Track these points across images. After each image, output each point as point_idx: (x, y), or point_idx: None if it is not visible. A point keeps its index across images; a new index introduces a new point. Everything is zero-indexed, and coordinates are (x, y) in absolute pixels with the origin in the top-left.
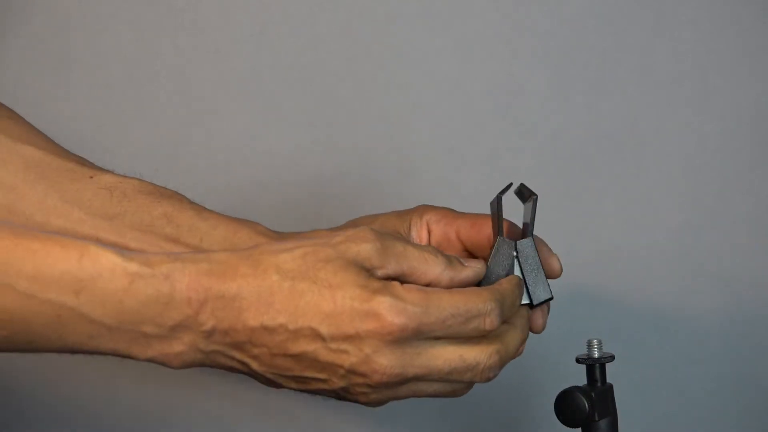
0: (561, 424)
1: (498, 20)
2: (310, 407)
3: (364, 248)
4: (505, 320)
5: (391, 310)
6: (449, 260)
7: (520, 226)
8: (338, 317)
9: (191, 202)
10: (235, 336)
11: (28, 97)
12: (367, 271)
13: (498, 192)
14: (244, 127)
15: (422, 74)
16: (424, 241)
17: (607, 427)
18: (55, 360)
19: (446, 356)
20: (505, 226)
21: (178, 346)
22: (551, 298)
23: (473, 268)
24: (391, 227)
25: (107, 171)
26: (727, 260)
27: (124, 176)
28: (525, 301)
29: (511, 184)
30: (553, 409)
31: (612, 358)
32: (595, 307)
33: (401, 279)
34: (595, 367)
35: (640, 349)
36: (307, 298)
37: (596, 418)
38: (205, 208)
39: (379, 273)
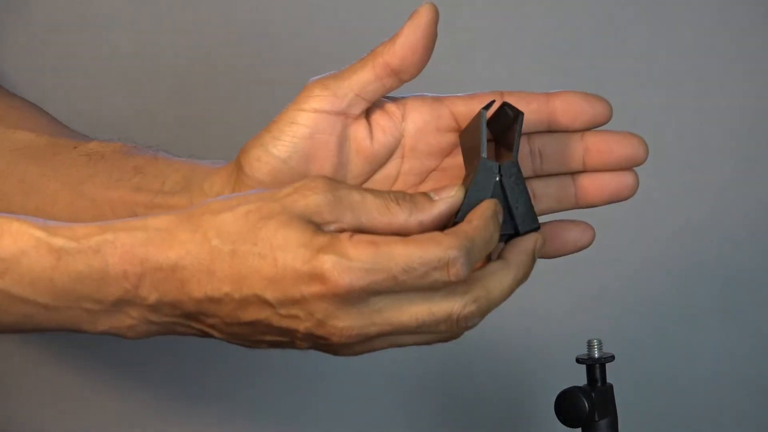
0: (561, 424)
1: (498, 20)
2: (301, 403)
3: (313, 200)
4: (498, 257)
5: (334, 270)
6: (414, 202)
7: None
8: (282, 282)
9: (167, 155)
10: (183, 308)
11: (28, 97)
12: (316, 225)
13: (481, 107)
14: (244, 128)
15: (422, 74)
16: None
17: (607, 427)
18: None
19: (412, 311)
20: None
21: (127, 320)
22: (538, 228)
23: (445, 200)
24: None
25: (95, 140)
26: (727, 260)
27: (109, 141)
28: (509, 231)
29: (494, 101)
30: (553, 409)
31: (612, 358)
32: (595, 307)
33: (361, 232)
34: (595, 367)
35: (640, 349)
36: (248, 263)
37: (596, 418)
38: (178, 159)
39: (333, 227)
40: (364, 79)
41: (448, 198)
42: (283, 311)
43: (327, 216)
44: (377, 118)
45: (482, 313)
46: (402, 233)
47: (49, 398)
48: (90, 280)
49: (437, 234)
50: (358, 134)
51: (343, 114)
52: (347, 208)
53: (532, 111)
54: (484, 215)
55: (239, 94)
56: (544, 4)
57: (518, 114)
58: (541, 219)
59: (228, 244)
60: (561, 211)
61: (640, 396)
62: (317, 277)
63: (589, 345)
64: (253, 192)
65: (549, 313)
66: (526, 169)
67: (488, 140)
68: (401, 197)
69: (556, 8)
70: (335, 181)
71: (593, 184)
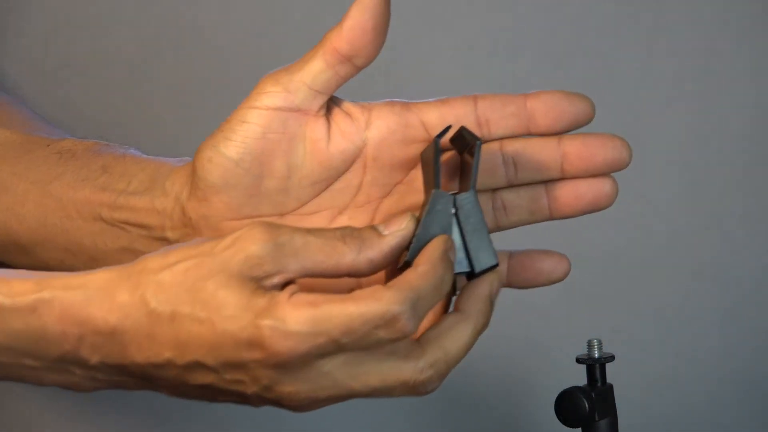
0: (561, 424)
1: (499, 20)
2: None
3: (253, 252)
4: (453, 308)
5: (273, 337)
6: (362, 239)
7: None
8: (221, 348)
9: (137, 153)
10: (128, 370)
11: (28, 97)
12: (257, 281)
13: (435, 135)
14: None
15: (423, 74)
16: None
17: (607, 427)
18: None
19: (362, 378)
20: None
21: (72, 377)
22: (496, 265)
23: (395, 234)
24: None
25: (69, 138)
26: (727, 260)
27: (83, 140)
28: (464, 269)
29: (450, 127)
30: (553, 409)
31: (612, 358)
32: (595, 307)
33: (309, 277)
34: (595, 367)
35: (640, 349)
36: (187, 328)
37: (596, 418)
38: (147, 158)
39: (276, 279)
40: (315, 69)
41: (398, 231)
42: (228, 376)
43: (269, 267)
44: (338, 120)
45: (441, 376)
46: (352, 273)
47: (49, 400)
48: (28, 339)
49: (378, 289)
50: (314, 134)
51: (297, 110)
52: (290, 255)
53: (509, 114)
54: (431, 258)
55: (239, 95)
56: (545, 4)
57: (476, 140)
58: (514, 246)
59: (167, 307)
60: (534, 223)
61: (640, 396)
62: (256, 344)
63: (589, 345)
64: (194, 243)
65: (549, 313)
66: (499, 179)
67: (451, 157)
68: (348, 234)
69: (556, 8)
70: (275, 227)
71: (568, 194)
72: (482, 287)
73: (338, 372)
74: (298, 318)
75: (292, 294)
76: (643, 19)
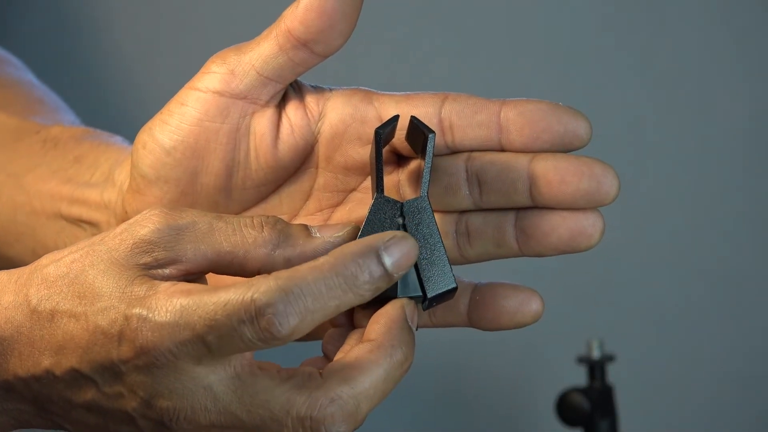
0: (561, 424)
1: (499, 20)
2: None
3: (143, 237)
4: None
5: (140, 328)
6: (286, 234)
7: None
8: (94, 349)
9: (121, 142)
10: (17, 391)
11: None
12: (144, 270)
13: (377, 127)
14: None
15: (423, 74)
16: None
17: (608, 427)
18: None
19: (247, 401)
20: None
21: None
22: (454, 290)
23: (327, 240)
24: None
25: (60, 125)
26: (727, 260)
27: (72, 127)
28: (415, 293)
29: (396, 117)
30: (553, 409)
31: (612, 358)
32: (595, 307)
33: (214, 269)
34: (596, 367)
35: (640, 349)
36: (63, 328)
37: (596, 419)
38: (117, 145)
39: (169, 270)
40: (266, 52)
41: (331, 238)
42: (107, 389)
43: (160, 254)
44: (291, 111)
45: (349, 416)
46: (265, 270)
47: None
48: None
49: (260, 276)
50: (260, 128)
51: (242, 98)
52: (189, 242)
53: (477, 123)
54: (341, 251)
55: None
56: (545, 5)
57: (428, 132)
58: (476, 276)
59: (48, 304)
60: (502, 258)
61: (640, 396)
62: (124, 337)
63: (589, 345)
64: (99, 235)
65: (549, 313)
66: (462, 199)
67: (406, 159)
68: (269, 224)
69: (556, 8)
70: (179, 211)
71: (537, 226)
72: (392, 311)
73: (221, 388)
74: (168, 307)
75: (175, 283)
76: (643, 19)
